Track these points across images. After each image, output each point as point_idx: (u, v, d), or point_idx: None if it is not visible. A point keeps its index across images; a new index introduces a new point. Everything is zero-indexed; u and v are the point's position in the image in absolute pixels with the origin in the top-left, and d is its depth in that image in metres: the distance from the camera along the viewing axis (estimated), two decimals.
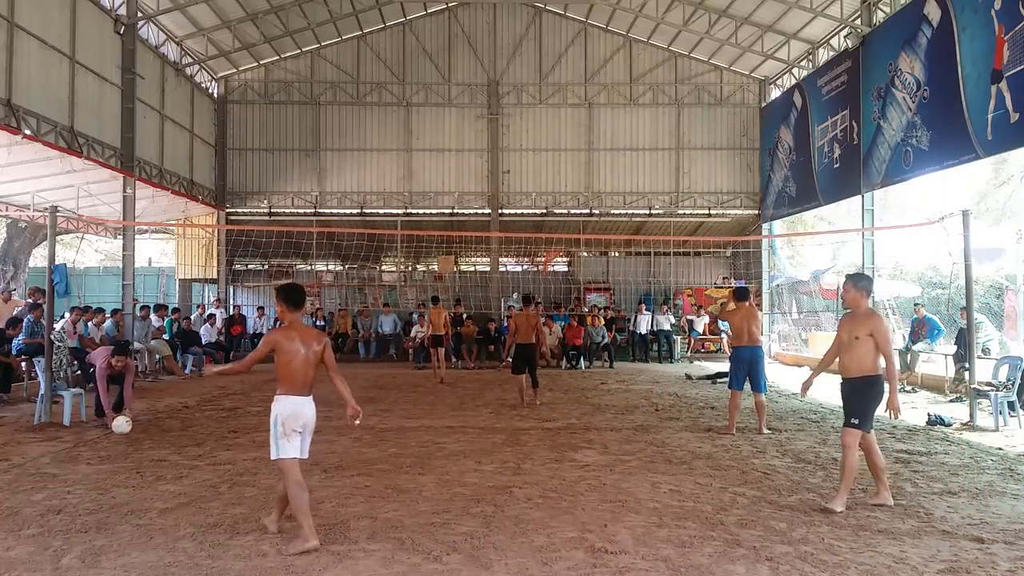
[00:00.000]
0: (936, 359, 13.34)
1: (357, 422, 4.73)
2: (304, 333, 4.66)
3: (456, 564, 4.23)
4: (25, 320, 11.17)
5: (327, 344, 4.75)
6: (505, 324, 18.28)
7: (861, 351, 5.49)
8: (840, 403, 10.40)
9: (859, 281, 5.70)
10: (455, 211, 21.10)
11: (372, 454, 7.35)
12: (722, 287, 21.19)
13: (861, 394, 5.49)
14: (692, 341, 19.69)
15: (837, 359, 5.76)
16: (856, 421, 5.45)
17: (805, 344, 19.65)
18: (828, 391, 12.76)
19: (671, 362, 18.75)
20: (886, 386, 5.57)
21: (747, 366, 8.65)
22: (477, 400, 11.56)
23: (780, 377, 15.14)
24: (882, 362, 5.53)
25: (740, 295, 8.98)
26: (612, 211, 21.26)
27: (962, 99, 11.81)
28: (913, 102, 13.38)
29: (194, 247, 21.98)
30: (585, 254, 22.62)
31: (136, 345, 14.50)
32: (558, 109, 21.14)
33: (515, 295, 21.11)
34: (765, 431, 8.59)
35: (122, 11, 14.91)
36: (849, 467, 5.41)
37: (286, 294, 4.71)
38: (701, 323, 19.74)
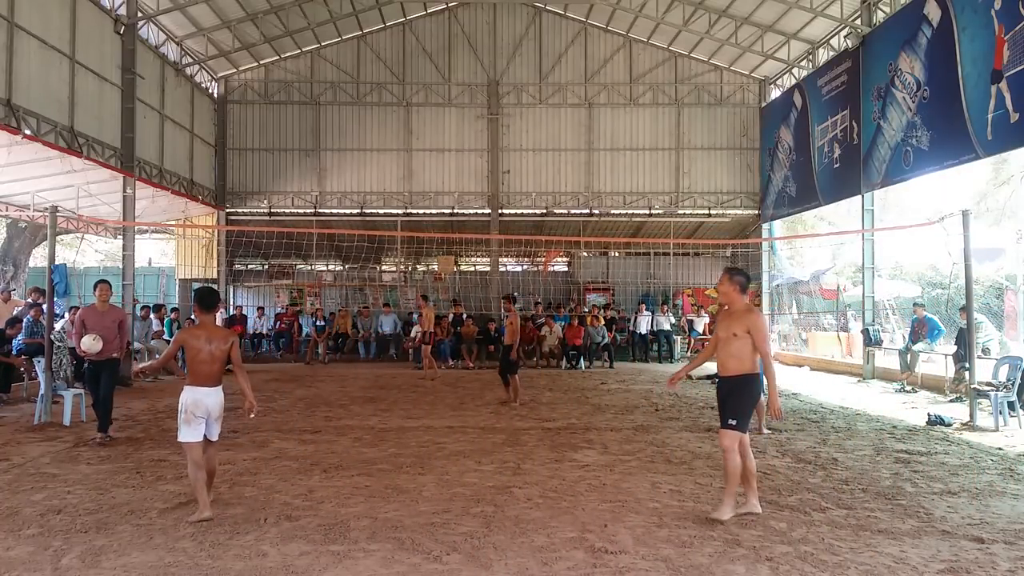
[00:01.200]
0: (936, 359, 13.34)
1: (252, 415, 5.46)
2: (212, 332, 5.33)
3: (456, 564, 4.23)
4: (25, 320, 11.18)
5: (235, 342, 5.42)
6: (504, 323, 18.29)
7: (738, 349, 5.22)
8: (842, 403, 10.29)
9: (734, 275, 5.39)
10: (455, 211, 21.10)
11: (372, 454, 7.35)
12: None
13: (738, 394, 5.23)
14: (692, 341, 19.68)
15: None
16: (733, 422, 5.18)
17: (805, 344, 19.65)
18: (828, 391, 12.79)
19: (671, 362, 18.75)
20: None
21: None
22: (477, 400, 11.56)
23: (780, 377, 15.12)
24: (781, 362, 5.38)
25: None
26: (612, 211, 21.26)
27: (962, 99, 11.81)
28: (913, 102, 13.38)
29: (194, 247, 21.98)
30: (585, 254, 22.62)
31: (136, 345, 14.53)
32: (558, 109, 21.14)
33: (515, 295, 21.11)
34: (765, 431, 8.59)
35: (122, 11, 14.91)
36: (731, 471, 5.17)
37: (199, 297, 5.41)
38: (701, 323, 19.73)
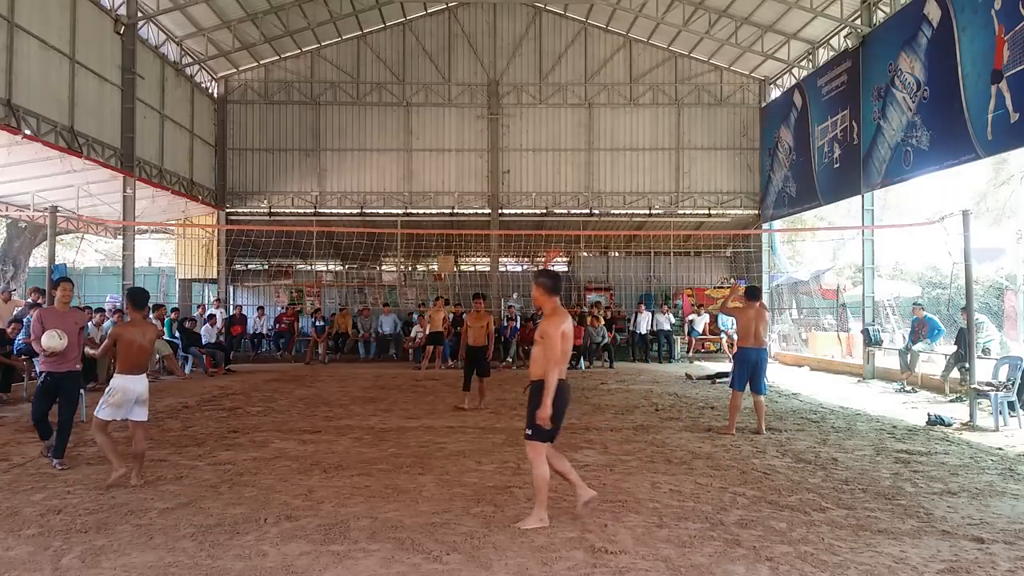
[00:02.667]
0: (936, 359, 13.34)
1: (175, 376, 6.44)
2: (143, 327, 6.28)
3: (456, 564, 4.23)
4: (25, 320, 11.17)
5: (159, 335, 6.69)
6: (504, 324, 18.32)
7: (537, 354, 5.02)
8: (842, 403, 10.28)
9: (538, 278, 5.16)
10: (455, 211, 21.11)
11: (372, 454, 7.35)
12: (722, 287, 21.19)
13: (535, 401, 4.94)
14: (692, 341, 19.67)
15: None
16: (529, 432, 4.95)
17: (805, 344, 19.65)
18: (828, 391, 12.79)
19: (671, 362, 18.74)
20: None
21: (752, 368, 8.57)
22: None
23: (780, 377, 15.14)
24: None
25: (753, 294, 8.86)
26: (612, 211, 21.26)
27: (962, 99, 11.82)
28: (913, 102, 13.38)
29: (194, 247, 21.99)
30: (585, 254, 22.62)
31: None
32: (558, 109, 21.14)
33: (515, 295, 21.12)
34: (765, 431, 8.59)
35: (122, 11, 14.92)
36: (537, 482, 4.95)
37: (130, 296, 6.34)
38: (701, 323, 19.73)
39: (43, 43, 12.36)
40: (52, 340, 6.54)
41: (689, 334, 19.63)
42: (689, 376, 15.09)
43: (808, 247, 30.82)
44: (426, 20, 21.05)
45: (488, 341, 10.64)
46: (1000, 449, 7.75)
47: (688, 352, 19.55)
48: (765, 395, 8.85)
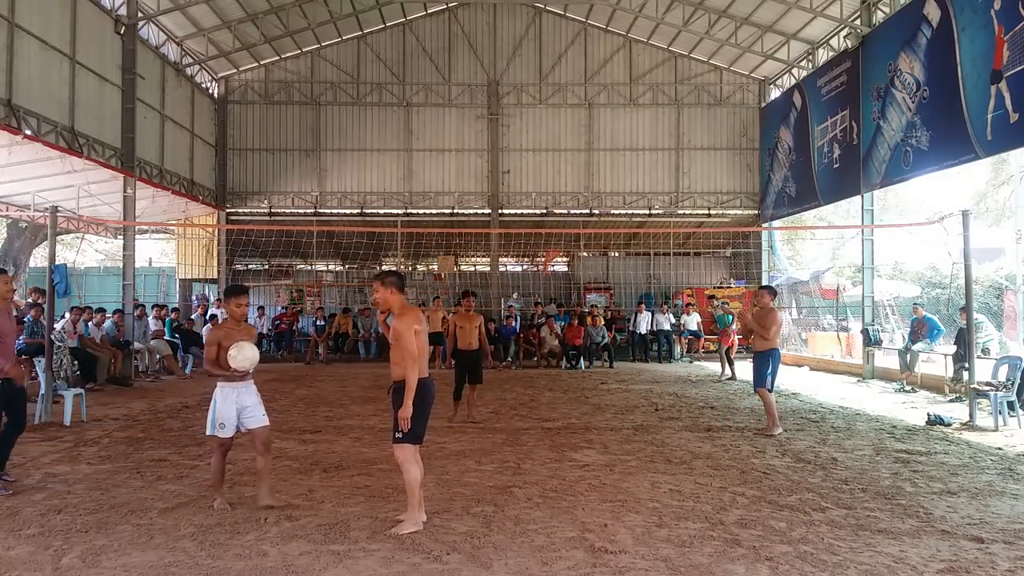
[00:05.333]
0: (936, 359, 13.35)
1: None
2: (246, 329, 5.59)
3: (456, 564, 4.24)
4: (25, 320, 11.18)
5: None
6: (504, 324, 18.31)
7: (395, 356, 4.91)
8: (841, 403, 10.29)
9: (385, 277, 5.01)
10: (455, 211, 21.12)
11: (372, 454, 7.36)
12: (721, 287, 21.19)
13: (397, 401, 4.85)
14: (684, 341, 19.49)
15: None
16: (398, 435, 4.83)
17: (805, 344, 19.65)
18: (828, 391, 12.79)
19: (671, 362, 18.74)
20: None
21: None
22: (476, 400, 11.53)
23: (780, 377, 15.09)
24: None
25: (775, 294, 9.04)
26: (612, 211, 21.27)
27: (962, 99, 11.82)
28: (913, 102, 13.38)
29: (194, 247, 21.99)
30: (585, 254, 22.63)
31: (136, 345, 14.54)
32: (558, 109, 21.15)
33: (515, 295, 21.13)
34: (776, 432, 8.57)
35: (122, 11, 14.92)
36: (408, 485, 4.82)
37: (231, 293, 5.79)
38: (693, 321, 19.56)
39: (43, 43, 12.36)
40: (245, 355, 5.30)
41: (680, 334, 19.53)
42: (728, 377, 14.57)
43: (808, 247, 30.84)
44: (426, 20, 21.05)
45: (481, 343, 9.60)
46: (1000, 449, 7.75)
47: (687, 352, 19.50)
48: (777, 391, 8.99)
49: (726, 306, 16.31)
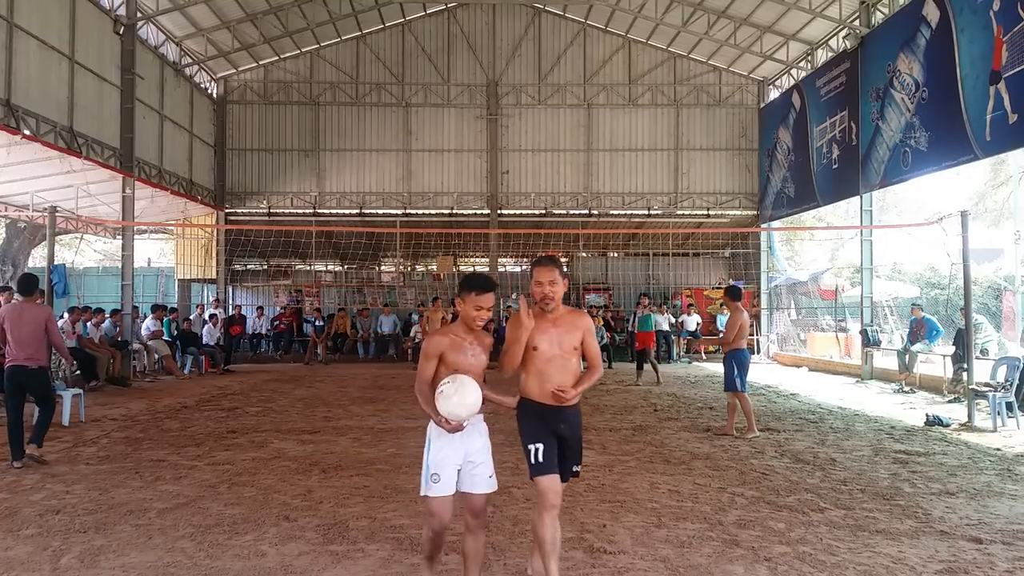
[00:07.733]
0: (935, 359, 13.36)
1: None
2: (481, 338, 3.88)
3: (456, 564, 4.23)
4: None
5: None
6: (504, 324, 18.31)
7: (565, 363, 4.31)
8: (840, 404, 10.30)
9: (559, 264, 4.16)
10: (454, 211, 21.11)
11: (371, 454, 7.35)
12: (721, 288, 21.18)
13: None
14: (682, 342, 19.46)
15: None
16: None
17: (803, 344, 19.66)
18: (826, 391, 12.80)
19: (670, 362, 18.73)
20: None
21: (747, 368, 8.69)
22: None
23: (779, 378, 15.16)
24: None
25: (735, 295, 8.80)
26: (611, 211, 21.27)
27: (961, 100, 11.83)
28: (912, 103, 13.39)
29: (193, 247, 21.98)
30: (584, 254, 22.63)
31: (136, 345, 14.53)
32: (557, 110, 21.15)
33: (515, 295, 21.11)
34: (756, 431, 8.52)
35: (122, 11, 14.91)
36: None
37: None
38: (692, 322, 19.56)
39: (42, 43, 12.34)
40: (464, 401, 3.78)
41: (679, 335, 19.51)
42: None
43: (807, 248, 30.87)
44: (425, 21, 21.05)
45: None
46: (998, 450, 7.75)
47: (687, 352, 19.49)
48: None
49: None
